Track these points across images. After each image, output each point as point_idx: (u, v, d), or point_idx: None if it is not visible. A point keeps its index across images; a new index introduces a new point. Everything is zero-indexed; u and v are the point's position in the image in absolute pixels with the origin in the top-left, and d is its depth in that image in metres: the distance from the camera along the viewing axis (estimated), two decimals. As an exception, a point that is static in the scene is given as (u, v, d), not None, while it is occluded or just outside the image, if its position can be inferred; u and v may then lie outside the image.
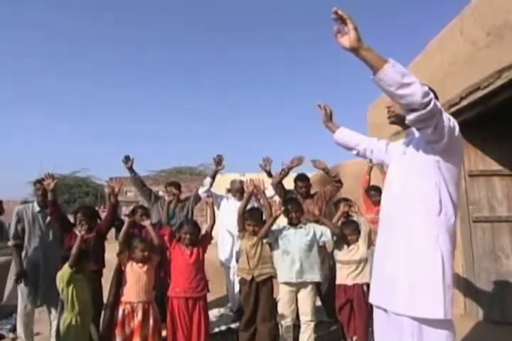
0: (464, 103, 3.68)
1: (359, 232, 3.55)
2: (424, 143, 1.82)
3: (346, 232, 3.54)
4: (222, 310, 4.92)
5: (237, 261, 4.42)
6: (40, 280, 3.69)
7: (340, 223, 3.69)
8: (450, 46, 3.96)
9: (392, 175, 2.04)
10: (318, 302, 4.04)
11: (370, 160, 2.53)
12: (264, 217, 3.75)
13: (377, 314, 2.00)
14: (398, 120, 2.05)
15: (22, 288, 3.69)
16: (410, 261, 1.78)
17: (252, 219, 3.65)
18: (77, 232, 3.13)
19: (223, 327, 4.28)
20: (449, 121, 1.66)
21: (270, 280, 3.63)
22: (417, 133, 1.91)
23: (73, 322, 2.92)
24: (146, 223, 3.56)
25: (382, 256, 1.96)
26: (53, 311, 3.67)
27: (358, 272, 3.47)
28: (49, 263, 3.63)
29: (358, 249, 3.52)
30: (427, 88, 1.56)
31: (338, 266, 3.60)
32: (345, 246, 3.54)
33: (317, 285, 3.76)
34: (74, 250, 2.97)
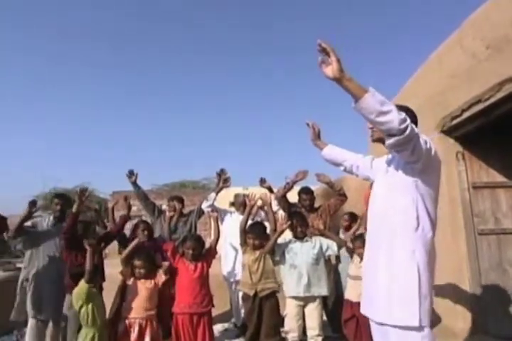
0: (466, 115, 3.69)
1: None
2: (403, 163, 1.96)
3: (356, 245, 3.48)
4: (226, 325, 4.86)
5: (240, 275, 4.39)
6: (46, 293, 3.67)
7: (351, 237, 3.65)
8: (450, 59, 3.99)
9: (376, 192, 2.19)
10: (324, 317, 4.00)
11: (357, 175, 2.63)
12: (267, 231, 3.74)
13: (371, 325, 2.11)
14: (378, 139, 2.17)
15: (33, 302, 3.68)
16: (390, 273, 1.93)
17: (253, 233, 3.64)
18: (86, 246, 3.12)
19: (227, 343, 4.23)
20: (426, 143, 1.80)
21: (274, 295, 3.60)
22: None
23: (95, 338, 2.98)
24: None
25: (368, 268, 2.11)
26: (51, 325, 3.68)
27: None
28: (60, 279, 3.62)
29: None
30: (404, 115, 1.68)
31: (348, 280, 3.55)
32: (357, 261, 3.46)
33: (323, 300, 3.72)
34: (88, 266, 3.01)
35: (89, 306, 2.99)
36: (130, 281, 3.31)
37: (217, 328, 4.62)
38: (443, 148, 3.98)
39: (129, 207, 3.94)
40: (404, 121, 1.67)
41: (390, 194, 2.03)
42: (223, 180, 4.59)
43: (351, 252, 3.55)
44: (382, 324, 1.94)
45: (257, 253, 3.62)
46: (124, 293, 3.37)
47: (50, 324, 3.72)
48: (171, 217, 4.18)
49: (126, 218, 3.85)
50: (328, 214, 4.30)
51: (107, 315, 3.29)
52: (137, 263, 3.31)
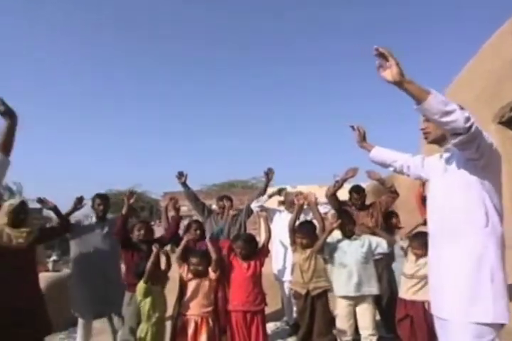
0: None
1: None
2: (464, 160, 1.94)
3: (412, 246, 3.36)
4: (278, 323, 4.88)
5: (291, 274, 4.40)
6: (98, 290, 3.77)
7: (409, 236, 3.55)
8: (505, 48, 3.80)
9: (435, 191, 2.15)
10: (377, 317, 3.92)
11: (408, 175, 2.57)
12: (316, 230, 3.72)
13: (436, 323, 2.07)
14: (434, 140, 2.19)
15: (81, 298, 3.83)
16: (459, 270, 1.89)
17: (301, 233, 3.64)
18: (153, 248, 3.24)
19: (279, 342, 4.25)
20: (488, 139, 1.81)
21: (325, 293, 3.57)
22: (455, 149, 1.98)
23: (149, 333, 3.11)
24: (206, 241, 3.59)
25: (433, 267, 2.09)
26: (115, 321, 3.82)
27: (418, 288, 3.28)
28: (107, 273, 3.77)
29: (425, 265, 3.35)
30: (467, 113, 1.69)
31: (402, 278, 3.46)
32: (414, 260, 3.35)
33: (376, 299, 3.65)
34: (149, 267, 3.14)
35: (146, 303, 3.13)
36: (187, 279, 3.40)
37: (270, 327, 4.64)
38: (501, 140, 3.80)
39: (177, 208, 4.03)
40: (468, 119, 1.68)
41: (452, 192, 2.00)
42: (267, 176, 4.65)
43: (405, 251, 3.45)
44: (449, 321, 1.90)
45: (308, 252, 3.61)
46: (183, 291, 3.47)
47: (104, 319, 3.89)
48: (235, 215, 4.23)
49: (178, 219, 3.96)
50: (379, 211, 4.21)
51: (172, 312, 3.44)
52: (194, 260, 3.39)
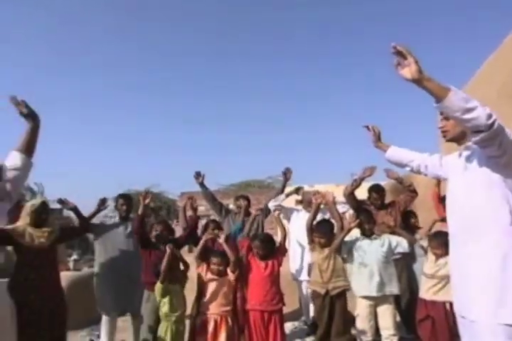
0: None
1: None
2: (485, 158, 1.90)
3: (432, 245, 3.31)
4: (296, 323, 4.87)
5: (308, 273, 4.38)
6: (122, 288, 3.85)
7: (429, 235, 3.50)
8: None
9: (455, 190, 2.11)
10: (398, 317, 3.87)
11: (425, 175, 2.53)
12: (334, 229, 3.70)
13: (459, 324, 2.04)
14: (453, 138, 2.15)
15: (104, 296, 3.90)
16: (485, 271, 1.85)
17: (319, 232, 3.62)
18: (167, 248, 3.25)
19: (298, 341, 4.24)
20: (510, 136, 1.76)
21: (344, 293, 3.55)
22: (475, 147, 1.95)
23: (169, 332, 3.15)
24: (221, 239, 3.59)
25: (456, 269, 2.04)
26: (136, 319, 3.86)
27: (438, 288, 3.23)
28: (131, 273, 3.80)
29: (445, 264, 3.30)
30: (488, 110, 1.66)
31: (422, 278, 3.42)
32: (434, 260, 3.30)
33: (396, 299, 3.61)
34: (164, 267, 3.16)
35: (165, 302, 3.17)
36: (206, 278, 3.42)
37: (287, 326, 4.63)
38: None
39: (195, 208, 4.05)
40: (490, 116, 1.65)
41: (473, 191, 1.96)
42: (285, 175, 4.63)
43: (425, 250, 3.40)
44: (476, 322, 1.86)
45: (326, 251, 3.59)
46: (202, 290, 3.48)
47: (128, 317, 3.94)
48: (257, 215, 4.24)
49: (195, 219, 3.98)
50: (398, 210, 4.16)
51: (190, 311, 3.48)
52: (214, 260, 3.41)
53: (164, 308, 3.18)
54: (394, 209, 4.18)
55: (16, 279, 3.07)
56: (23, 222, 3.20)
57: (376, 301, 3.45)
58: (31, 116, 2.15)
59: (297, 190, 4.85)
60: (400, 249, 3.54)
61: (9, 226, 3.09)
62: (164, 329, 3.17)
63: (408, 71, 1.65)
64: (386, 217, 4.07)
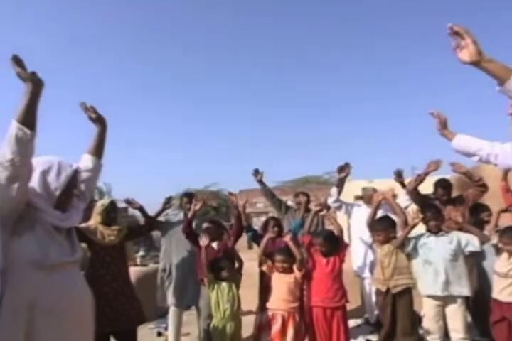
0: None
1: None
2: None
3: (503, 241, 3.13)
4: (358, 321, 4.79)
5: (370, 270, 4.29)
6: (186, 283, 4.01)
7: (499, 230, 3.32)
8: None
9: None
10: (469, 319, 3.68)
11: (495, 165, 2.34)
12: (396, 225, 3.59)
13: None
14: None
15: (170, 291, 4.07)
16: None
17: (377, 228, 3.55)
18: (200, 243, 3.44)
19: (361, 339, 4.17)
20: None
21: (409, 291, 3.43)
22: None
23: (223, 327, 3.27)
24: (287, 238, 3.58)
25: None
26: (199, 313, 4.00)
27: None
28: (192, 267, 3.89)
29: None
30: None
31: (494, 277, 3.24)
32: (507, 257, 3.12)
33: (466, 299, 3.44)
34: (200, 262, 3.39)
35: (212, 297, 3.34)
36: (271, 275, 3.48)
37: (350, 323, 4.54)
38: None
39: (236, 206, 4.04)
40: None
41: None
42: (340, 170, 4.41)
43: (497, 247, 3.21)
44: None
45: (387, 247, 3.50)
46: (266, 286, 3.54)
47: (194, 311, 4.07)
48: (317, 212, 4.23)
49: (239, 216, 3.93)
50: (467, 206, 3.95)
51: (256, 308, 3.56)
52: (279, 258, 3.45)
53: (212, 303, 3.33)
54: (462, 204, 3.97)
55: (89, 274, 3.27)
56: (94, 220, 3.41)
57: (443, 301, 3.31)
58: (99, 121, 2.29)
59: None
60: (470, 248, 3.36)
61: (83, 225, 3.29)
62: (217, 325, 3.29)
63: (467, 53, 1.53)
64: (453, 213, 3.87)
